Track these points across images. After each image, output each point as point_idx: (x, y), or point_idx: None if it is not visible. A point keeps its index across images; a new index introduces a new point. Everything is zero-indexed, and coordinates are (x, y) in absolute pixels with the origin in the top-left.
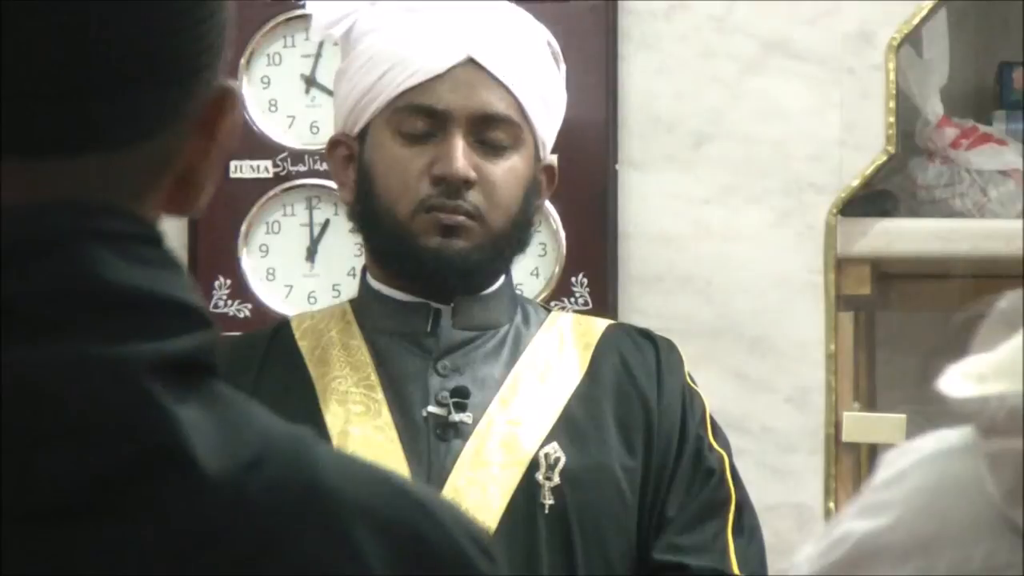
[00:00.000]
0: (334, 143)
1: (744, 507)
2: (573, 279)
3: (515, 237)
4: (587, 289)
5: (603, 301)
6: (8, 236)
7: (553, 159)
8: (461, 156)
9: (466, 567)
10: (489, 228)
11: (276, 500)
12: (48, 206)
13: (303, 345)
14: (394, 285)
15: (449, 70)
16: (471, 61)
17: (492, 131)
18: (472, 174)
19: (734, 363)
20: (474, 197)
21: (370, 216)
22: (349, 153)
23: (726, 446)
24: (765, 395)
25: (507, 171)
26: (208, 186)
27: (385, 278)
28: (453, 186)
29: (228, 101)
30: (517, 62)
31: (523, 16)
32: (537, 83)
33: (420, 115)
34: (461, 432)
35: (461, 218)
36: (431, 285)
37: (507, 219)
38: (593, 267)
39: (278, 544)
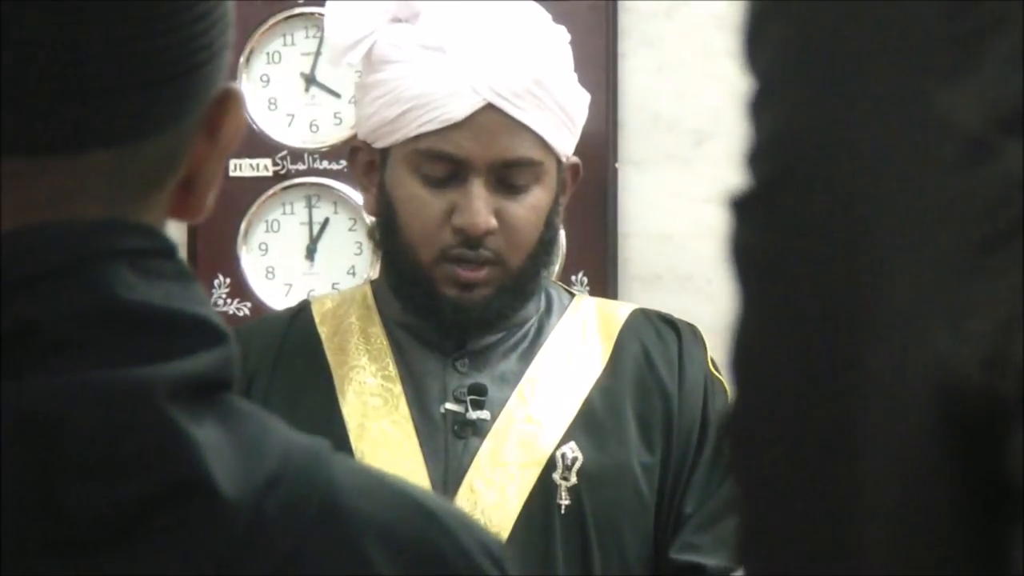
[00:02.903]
0: (355, 149)
1: None
2: (573, 277)
3: (536, 269)
4: (587, 288)
5: None
6: (27, 259)
7: (575, 159)
8: (482, 209)
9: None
10: (509, 269)
11: (293, 519)
12: (64, 226)
13: (323, 331)
14: None
15: (469, 117)
16: (491, 106)
17: (514, 174)
18: (493, 223)
19: None
20: (494, 242)
21: (391, 253)
22: (370, 160)
23: None
24: None
25: (528, 208)
26: (213, 189)
27: None
28: (473, 238)
29: (231, 103)
30: (538, 99)
31: (542, 33)
32: (558, 111)
33: (440, 160)
34: (479, 430)
35: (483, 272)
36: (451, 331)
37: (527, 255)
38: (593, 265)
39: (294, 564)
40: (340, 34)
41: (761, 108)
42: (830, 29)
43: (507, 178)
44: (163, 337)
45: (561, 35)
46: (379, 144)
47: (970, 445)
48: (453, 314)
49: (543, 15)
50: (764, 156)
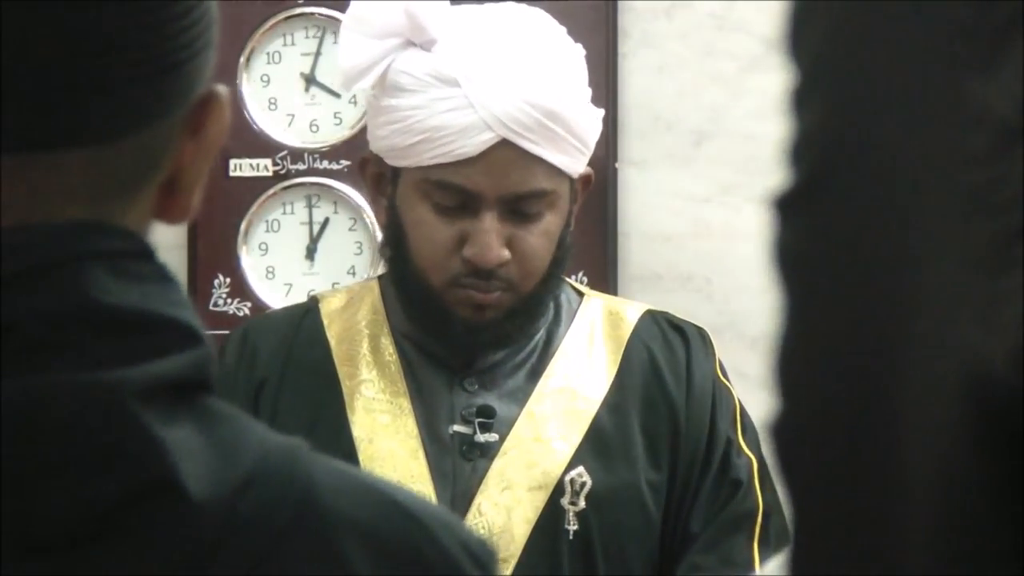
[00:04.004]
0: (364, 161)
1: (771, 513)
2: (573, 277)
3: (547, 291)
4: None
5: None
6: (4, 260)
7: (588, 169)
8: (494, 243)
9: None
10: (521, 294)
11: (268, 520)
12: (43, 227)
13: (331, 335)
14: None
15: (482, 152)
16: (505, 141)
17: (526, 204)
18: (505, 255)
19: (734, 362)
20: (506, 271)
21: (402, 274)
22: (380, 172)
23: (755, 444)
24: (765, 393)
25: (541, 235)
26: (197, 191)
27: None
28: (485, 271)
29: (216, 104)
30: (552, 132)
31: (555, 60)
32: (572, 139)
33: (451, 191)
34: (486, 451)
35: (494, 296)
36: (462, 350)
37: (538, 280)
38: (593, 266)
39: (269, 564)
40: (353, 59)
41: (802, 103)
42: (869, 23)
43: (520, 208)
44: (136, 340)
45: (576, 55)
46: (390, 163)
47: (1000, 437)
48: (465, 334)
49: (558, 34)
50: (805, 152)
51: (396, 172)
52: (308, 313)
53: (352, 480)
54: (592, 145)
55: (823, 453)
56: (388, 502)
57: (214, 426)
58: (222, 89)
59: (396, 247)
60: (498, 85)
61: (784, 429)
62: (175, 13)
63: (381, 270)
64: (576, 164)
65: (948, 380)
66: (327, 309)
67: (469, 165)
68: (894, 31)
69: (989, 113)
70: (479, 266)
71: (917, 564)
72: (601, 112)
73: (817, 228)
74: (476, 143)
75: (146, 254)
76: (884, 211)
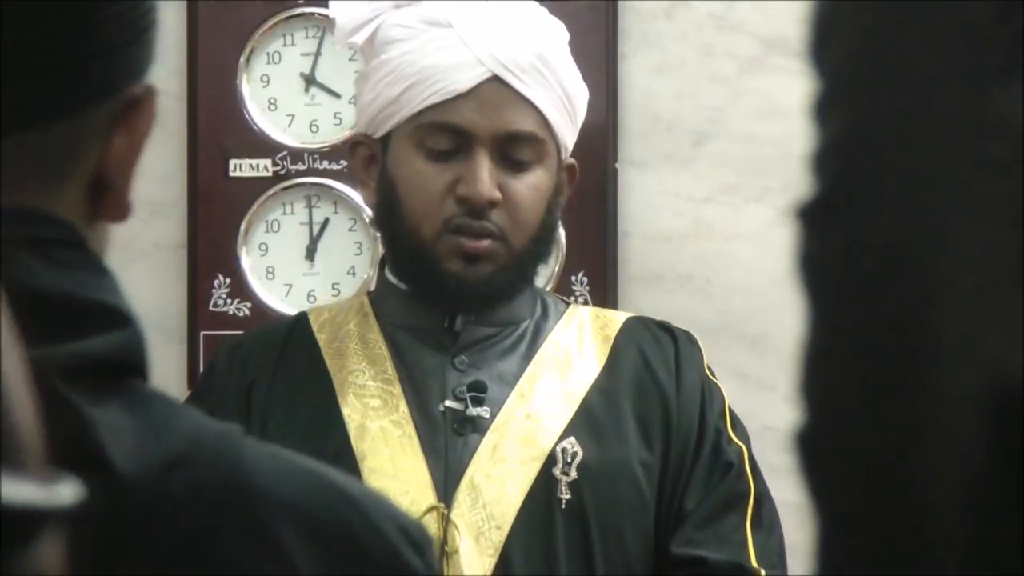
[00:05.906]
0: (355, 143)
1: (763, 500)
2: (573, 278)
3: (537, 253)
4: (587, 288)
5: (603, 300)
6: None
7: (572, 159)
8: (487, 178)
9: (395, 560)
10: (512, 248)
11: (197, 499)
12: None
13: (321, 338)
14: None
15: (474, 88)
16: (496, 79)
17: (517, 148)
18: (497, 194)
19: (734, 362)
20: (498, 217)
21: (393, 233)
22: (371, 154)
23: (745, 439)
24: (765, 394)
25: (531, 188)
26: (130, 189)
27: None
28: (478, 207)
29: (146, 102)
30: (542, 76)
31: (545, 20)
32: (561, 93)
33: (444, 132)
34: (478, 427)
35: (485, 243)
36: (453, 308)
37: (529, 237)
38: (593, 266)
39: (199, 544)
40: (347, 15)
41: (826, 112)
42: (892, 32)
43: (510, 153)
44: (62, 320)
45: (562, 28)
46: (381, 131)
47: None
48: (457, 289)
49: (543, 10)
50: (828, 161)
51: (385, 144)
52: (298, 322)
53: (286, 462)
54: (580, 116)
55: (849, 460)
56: (326, 486)
57: (143, 407)
58: (152, 87)
59: (388, 211)
60: (491, 24)
61: (810, 437)
62: (83, 8)
63: (375, 279)
64: (564, 126)
65: (972, 389)
66: (316, 319)
67: (461, 101)
68: (916, 40)
69: (1010, 122)
70: (472, 202)
71: (944, 567)
72: (587, 92)
73: (841, 235)
74: (468, 78)
75: (76, 243)
76: (908, 220)
